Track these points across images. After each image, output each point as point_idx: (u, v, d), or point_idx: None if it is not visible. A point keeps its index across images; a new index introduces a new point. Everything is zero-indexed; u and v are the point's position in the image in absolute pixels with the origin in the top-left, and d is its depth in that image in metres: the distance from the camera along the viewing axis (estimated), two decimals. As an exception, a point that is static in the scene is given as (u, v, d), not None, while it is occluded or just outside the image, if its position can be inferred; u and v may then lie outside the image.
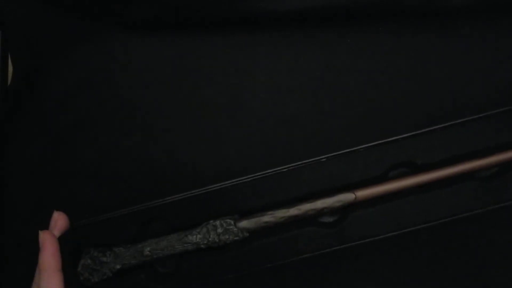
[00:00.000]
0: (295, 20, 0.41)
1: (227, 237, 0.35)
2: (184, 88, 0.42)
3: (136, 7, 0.41)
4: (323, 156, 0.36)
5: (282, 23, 0.41)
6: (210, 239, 0.35)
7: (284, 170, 0.36)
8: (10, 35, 0.47)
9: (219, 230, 0.35)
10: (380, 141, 0.36)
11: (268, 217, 0.36)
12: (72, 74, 0.43)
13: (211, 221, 0.36)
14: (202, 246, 0.36)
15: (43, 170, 0.43)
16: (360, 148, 0.36)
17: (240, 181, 0.36)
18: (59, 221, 0.36)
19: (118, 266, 0.36)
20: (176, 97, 0.42)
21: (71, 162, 0.42)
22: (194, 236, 0.36)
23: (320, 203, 0.36)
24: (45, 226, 0.37)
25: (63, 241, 0.35)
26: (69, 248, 0.36)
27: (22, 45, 0.46)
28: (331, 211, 0.36)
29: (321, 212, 0.36)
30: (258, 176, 0.36)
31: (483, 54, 0.40)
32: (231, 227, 0.35)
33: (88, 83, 0.43)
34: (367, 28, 0.41)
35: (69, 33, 0.44)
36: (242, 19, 0.41)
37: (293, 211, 0.36)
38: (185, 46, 0.42)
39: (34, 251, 0.37)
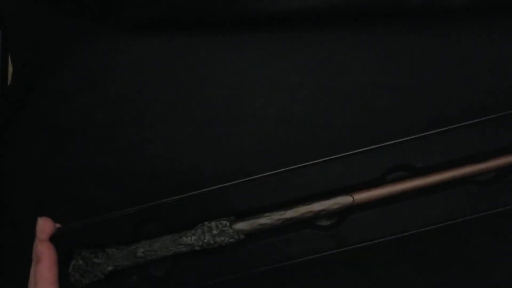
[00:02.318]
0: (295, 20, 0.41)
1: (223, 239, 0.34)
2: (183, 89, 0.42)
3: (136, 7, 0.41)
4: (321, 159, 0.35)
5: (282, 23, 0.41)
6: (205, 240, 0.35)
7: (282, 172, 0.35)
8: (10, 35, 0.47)
9: (214, 232, 0.35)
10: (378, 144, 0.35)
11: (265, 219, 0.35)
12: (72, 74, 0.43)
13: (206, 222, 0.35)
14: (197, 248, 0.35)
15: (42, 170, 0.42)
16: (358, 151, 0.35)
17: (237, 182, 0.35)
18: (45, 227, 0.35)
19: (110, 268, 0.35)
20: (175, 98, 0.41)
21: (69, 163, 0.42)
22: (189, 238, 0.35)
23: (318, 206, 0.35)
24: None
25: (54, 241, 0.35)
26: (61, 249, 0.35)
27: (22, 45, 0.46)
28: (328, 213, 0.35)
29: (318, 214, 0.35)
30: (255, 178, 0.35)
31: (483, 56, 0.40)
32: (227, 228, 0.35)
33: (88, 83, 0.43)
34: (367, 28, 0.41)
35: (69, 33, 0.43)
36: (242, 19, 0.41)
37: (290, 213, 0.35)
38: (185, 46, 0.42)
39: (30, 250, 0.36)
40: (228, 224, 0.35)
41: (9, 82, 0.48)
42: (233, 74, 0.41)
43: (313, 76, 0.41)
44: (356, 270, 0.39)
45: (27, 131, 0.43)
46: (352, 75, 0.40)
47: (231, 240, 0.34)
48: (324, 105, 0.40)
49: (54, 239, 0.35)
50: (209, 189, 0.35)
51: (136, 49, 0.42)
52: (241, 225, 0.35)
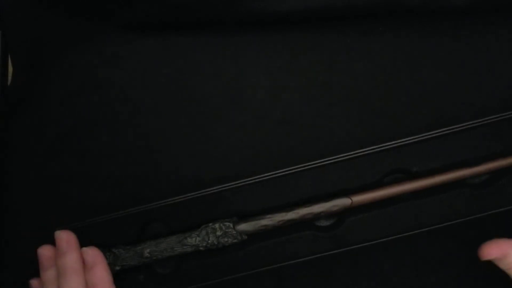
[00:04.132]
0: (295, 20, 0.41)
1: (226, 239, 0.36)
2: (184, 89, 0.42)
3: (136, 8, 0.41)
4: (320, 161, 0.37)
5: (281, 23, 0.41)
6: (209, 241, 0.36)
7: (282, 175, 0.37)
8: (10, 35, 0.47)
9: (218, 233, 0.36)
10: (376, 149, 0.37)
11: (267, 221, 0.36)
12: (72, 75, 0.43)
13: (211, 223, 0.37)
14: (201, 248, 0.36)
15: (43, 171, 0.43)
16: (356, 155, 0.37)
17: (239, 185, 0.37)
18: (69, 237, 0.36)
19: (117, 267, 0.37)
20: (176, 98, 0.42)
21: (71, 163, 0.42)
22: (194, 239, 0.36)
23: (317, 208, 0.36)
24: (45, 227, 0.38)
25: None
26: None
27: (22, 45, 0.46)
28: (327, 215, 0.37)
29: (318, 216, 0.37)
30: (257, 180, 0.37)
31: (482, 58, 0.40)
32: (230, 230, 0.36)
33: (88, 84, 0.43)
34: (367, 28, 0.41)
35: (69, 33, 0.43)
36: (242, 19, 0.41)
37: (291, 215, 0.36)
38: (185, 46, 0.42)
39: (34, 251, 0.37)
40: (231, 225, 0.36)
41: (9, 82, 0.47)
42: (234, 75, 0.41)
43: (313, 77, 0.41)
44: (355, 269, 0.39)
45: (27, 131, 0.43)
46: (352, 76, 0.40)
47: (234, 240, 0.36)
48: (324, 107, 0.41)
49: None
50: (213, 191, 0.36)
51: (136, 49, 0.42)
52: (244, 226, 0.36)
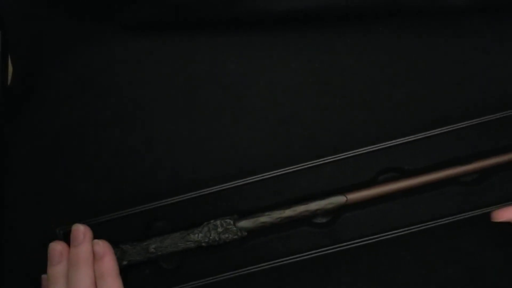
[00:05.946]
0: (294, 20, 0.42)
1: (227, 236, 0.39)
2: (185, 89, 0.43)
3: (136, 8, 0.42)
4: (317, 161, 0.39)
5: (281, 23, 0.42)
6: (211, 237, 0.39)
7: (280, 174, 0.39)
8: (10, 35, 0.48)
9: (219, 230, 0.39)
10: (370, 149, 0.39)
11: (265, 218, 0.39)
12: (72, 75, 0.44)
13: (212, 221, 0.39)
14: (203, 244, 0.39)
15: (43, 171, 0.44)
16: (352, 154, 0.39)
17: (240, 184, 0.39)
18: (86, 231, 0.38)
19: (125, 262, 0.39)
20: (177, 98, 0.43)
21: (70, 163, 0.44)
22: (196, 235, 0.39)
23: (314, 205, 0.39)
24: (49, 227, 0.40)
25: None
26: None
27: (22, 45, 0.47)
28: (323, 212, 0.40)
29: (315, 213, 0.39)
30: (256, 179, 0.39)
31: (480, 58, 0.42)
32: (231, 226, 0.39)
33: (88, 84, 0.44)
34: (367, 28, 0.42)
35: (69, 33, 0.45)
36: (242, 19, 0.42)
37: (289, 212, 0.39)
38: (185, 46, 0.43)
39: (34, 251, 0.40)
40: (232, 222, 0.39)
41: (9, 82, 0.48)
42: (233, 75, 0.43)
43: (312, 77, 0.42)
44: (351, 264, 0.41)
45: (27, 131, 0.45)
46: (350, 77, 0.42)
47: (234, 237, 0.39)
48: (324, 106, 0.42)
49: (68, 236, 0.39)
50: (214, 189, 0.39)
51: (136, 49, 0.44)
52: (244, 223, 0.39)
